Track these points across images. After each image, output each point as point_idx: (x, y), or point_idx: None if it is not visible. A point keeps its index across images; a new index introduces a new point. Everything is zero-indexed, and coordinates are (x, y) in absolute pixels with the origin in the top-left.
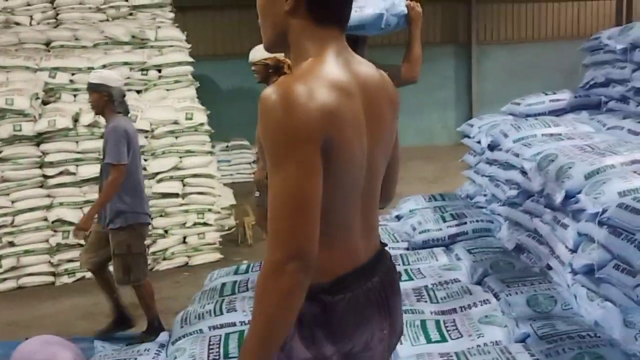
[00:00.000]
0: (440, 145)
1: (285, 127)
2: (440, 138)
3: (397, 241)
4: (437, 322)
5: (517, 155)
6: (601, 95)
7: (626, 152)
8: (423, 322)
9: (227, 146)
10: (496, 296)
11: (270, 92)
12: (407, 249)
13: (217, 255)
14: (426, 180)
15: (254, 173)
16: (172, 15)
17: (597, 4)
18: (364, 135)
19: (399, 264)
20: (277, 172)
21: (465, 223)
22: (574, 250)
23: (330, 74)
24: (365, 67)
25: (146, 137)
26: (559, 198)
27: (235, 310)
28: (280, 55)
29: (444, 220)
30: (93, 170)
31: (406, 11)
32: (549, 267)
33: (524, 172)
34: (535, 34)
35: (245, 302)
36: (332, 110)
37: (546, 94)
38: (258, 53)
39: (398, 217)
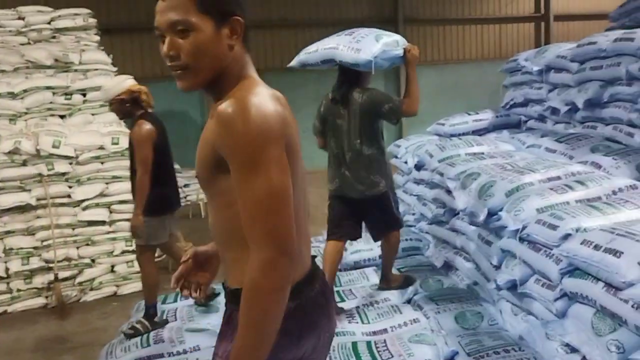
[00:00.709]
0: None
1: (254, 132)
2: None
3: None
4: (369, 343)
5: (442, 174)
6: (521, 115)
7: (543, 170)
8: (354, 344)
9: None
10: (425, 314)
11: (227, 106)
12: (340, 270)
13: None
14: None
15: (185, 197)
16: (97, 38)
17: (518, 26)
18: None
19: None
20: (256, 174)
21: None
22: (498, 267)
23: (266, 89)
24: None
25: (70, 164)
26: (482, 216)
27: (163, 342)
28: (134, 85)
29: (375, 240)
30: (13, 199)
31: (402, 54)
32: (476, 283)
33: (448, 191)
34: (460, 55)
35: (174, 333)
36: (283, 116)
37: (469, 114)
38: (111, 91)
39: None
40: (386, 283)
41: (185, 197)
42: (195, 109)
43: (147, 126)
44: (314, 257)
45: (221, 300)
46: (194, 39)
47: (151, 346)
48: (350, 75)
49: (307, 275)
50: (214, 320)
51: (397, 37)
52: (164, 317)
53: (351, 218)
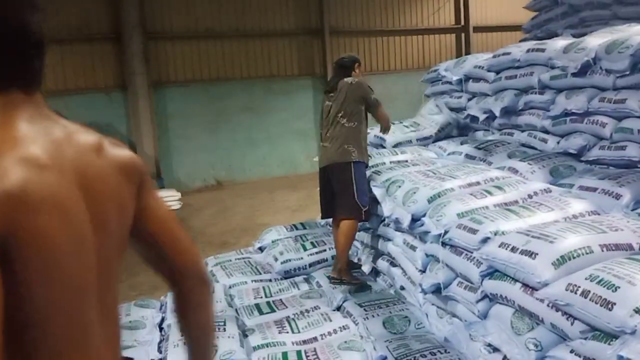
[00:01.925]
0: (304, 173)
1: None
2: (304, 167)
3: (260, 273)
4: (299, 352)
5: (369, 182)
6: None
7: (463, 176)
8: (284, 354)
9: None
10: (355, 321)
11: None
12: (270, 280)
13: None
14: (290, 209)
15: None
16: None
17: (440, 37)
18: (81, 220)
19: (262, 297)
20: None
21: (325, 250)
22: (423, 271)
23: (17, 145)
24: (78, 135)
25: None
26: (406, 222)
27: None
28: None
29: (305, 249)
30: None
31: None
32: (403, 288)
33: (375, 199)
34: (385, 66)
35: None
36: (15, 192)
37: (393, 124)
38: None
39: (261, 249)
40: (335, 273)
41: None
42: (120, 122)
43: None
44: None
45: (148, 314)
46: None
47: None
48: (342, 71)
49: None
50: (141, 336)
51: None
52: None
53: (327, 193)
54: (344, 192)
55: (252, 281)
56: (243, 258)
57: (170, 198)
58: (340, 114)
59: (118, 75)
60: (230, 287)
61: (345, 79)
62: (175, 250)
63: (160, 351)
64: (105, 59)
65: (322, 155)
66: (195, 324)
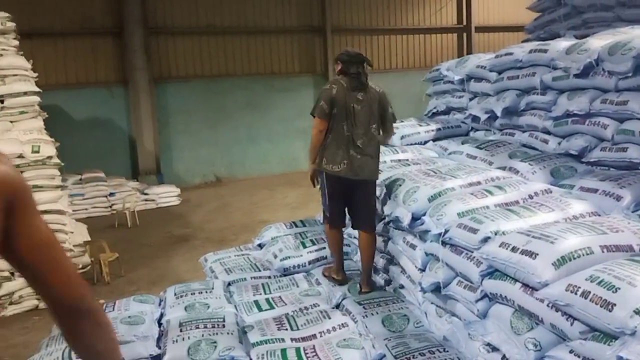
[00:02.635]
0: (304, 170)
1: None
2: (304, 164)
3: (260, 270)
4: (297, 349)
5: None
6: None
7: (464, 175)
8: (283, 351)
9: (80, 179)
10: (354, 319)
11: None
12: (270, 277)
13: None
14: (290, 206)
15: (110, 207)
16: (16, 42)
17: (442, 37)
18: None
19: (261, 294)
20: None
21: (324, 248)
22: (422, 270)
23: None
24: None
25: None
26: (406, 220)
27: None
28: None
29: (304, 246)
30: None
31: None
32: (402, 287)
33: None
34: (387, 64)
35: None
36: None
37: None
38: None
39: (260, 246)
40: (368, 286)
41: (110, 206)
42: (121, 117)
43: None
44: None
45: (147, 310)
46: None
47: None
48: (363, 68)
49: None
50: (140, 332)
51: None
52: None
53: (344, 203)
54: (370, 205)
55: (251, 278)
56: (242, 255)
57: (169, 194)
58: (374, 125)
59: (119, 70)
60: (229, 284)
61: (374, 87)
62: (51, 280)
63: (159, 346)
64: (106, 53)
65: (360, 167)
66: (83, 354)
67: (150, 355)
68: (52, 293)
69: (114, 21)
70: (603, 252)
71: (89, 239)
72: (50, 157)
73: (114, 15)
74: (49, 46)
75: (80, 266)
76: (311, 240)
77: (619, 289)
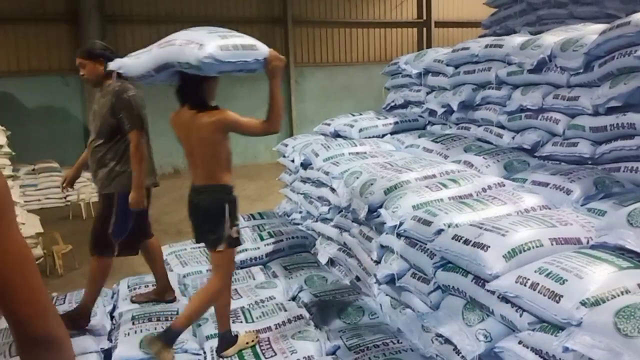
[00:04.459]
0: (263, 163)
1: None
2: (264, 157)
3: None
4: None
5: (326, 173)
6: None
7: (420, 168)
8: None
9: (33, 169)
10: (309, 311)
11: None
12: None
13: None
14: (249, 198)
15: (65, 198)
16: None
17: (402, 31)
18: None
19: None
20: None
21: (282, 240)
22: (378, 262)
23: None
24: None
25: None
26: (362, 213)
27: None
28: None
29: (262, 239)
30: None
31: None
32: (358, 279)
33: (333, 189)
34: (347, 57)
35: None
36: None
37: (353, 115)
38: None
39: None
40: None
41: (65, 197)
42: (76, 106)
43: None
44: None
45: (98, 302)
46: None
47: None
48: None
49: None
50: (91, 325)
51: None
52: None
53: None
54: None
55: (207, 270)
56: (198, 247)
57: None
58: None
59: (74, 58)
60: (184, 277)
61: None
62: (14, 300)
63: (110, 340)
64: (60, 40)
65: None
66: None
67: (102, 348)
68: (14, 319)
69: (68, 7)
70: (552, 244)
71: (42, 230)
72: (0, 147)
73: (69, 2)
74: (0, 32)
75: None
76: (269, 233)
77: (567, 280)
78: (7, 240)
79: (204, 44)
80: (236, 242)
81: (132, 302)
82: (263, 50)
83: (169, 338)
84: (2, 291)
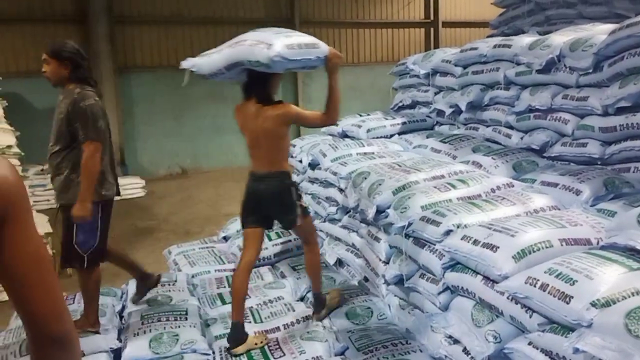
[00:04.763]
0: None
1: None
2: None
3: (224, 263)
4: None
5: (334, 173)
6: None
7: (428, 169)
8: None
9: (42, 169)
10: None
11: None
12: (234, 270)
13: None
14: None
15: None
16: None
17: (410, 31)
18: None
19: (225, 287)
20: None
21: (290, 241)
22: (386, 262)
23: None
24: None
25: None
26: (371, 213)
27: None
28: None
29: (270, 239)
30: None
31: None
32: (366, 279)
33: (341, 190)
34: (355, 58)
35: None
36: None
37: (360, 115)
38: None
39: (225, 238)
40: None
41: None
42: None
43: None
44: None
45: (108, 302)
46: None
47: (25, 356)
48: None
49: None
50: (101, 325)
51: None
52: None
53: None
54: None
55: (215, 270)
56: (207, 247)
57: (133, 185)
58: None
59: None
60: (193, 277)
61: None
62: (30, 299)
63: (120, 339)
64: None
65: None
66: None
67: (111, 348)
68: (30, 316)
69: (77, 8)
70: (562, 245)
71: (51, 230)
72: (9, 147)
73: (77, 3)
74: (9, 32)
75: None
76: (277, 233)
77: (577, 281)
78: (24, 240)
79: (272, 43)
80: (306, 209)
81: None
82: (324, 48)
83: (320, 304)
84: (18, 290)
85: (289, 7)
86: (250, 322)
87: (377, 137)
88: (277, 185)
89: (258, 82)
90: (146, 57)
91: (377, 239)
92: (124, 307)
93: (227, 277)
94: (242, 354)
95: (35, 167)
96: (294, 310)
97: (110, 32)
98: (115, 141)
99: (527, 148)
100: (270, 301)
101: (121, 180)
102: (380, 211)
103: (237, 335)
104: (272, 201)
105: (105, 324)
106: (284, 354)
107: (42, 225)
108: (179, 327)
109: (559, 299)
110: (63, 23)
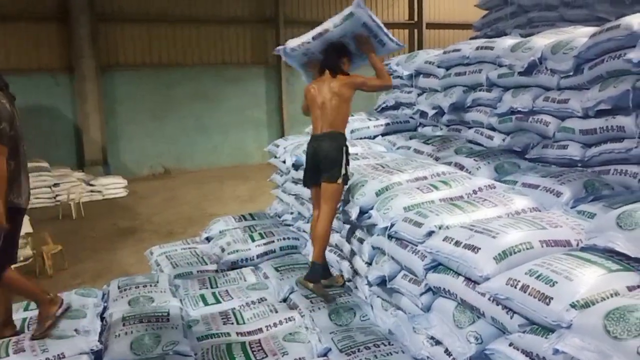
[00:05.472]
0: (255, 164)
1: None
2: (255, 157)
3: (206, 263)
4: (243, 344)
5: None
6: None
7: (411, 170)
8: (228, 346)
9: None
10: (301, 313)
11: None
12: (217, 271)
13: None
14: (240, 199)
15: (55, 197)
16: None
17: (393, 32)
18: None
19: (207, 288)
20: None
21: (273, 241)
22: (369, 263)
23: None
24: None
25: None
26: (354, 214)
27: (24, 351)
28: None
29: (253, 240)
30: None
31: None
32: (349, 280)
33: None
34: None
35: (36, 341)
36: None
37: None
38: None
39: (208, 239)
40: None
41: (55, 197)
42: (66, 105)
43: None
44: None
45: (89, 304)
46: None
47: (10, 356)
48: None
49: None
50: (81, 326)
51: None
52: (27, 325)
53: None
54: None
55: (197, 272)
56: (189, 248)
57: (116, 185)
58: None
59: (64, 57)
60: (175, 277)
61: None
62: None
63: (101, 341)
64: (51, 39)
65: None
66: None
67: (92, 349)
68: None
69: (59, 6)
70: (542, 246)
71: (31, 230)
72: None
73: (59, 0)
74: None
75: (22, 258)
76: (260, 234)
77: (557, 282)
78: None
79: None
80: (347, 180)
81: None
82: (390, 45)
83: (315, 274)
84: None
85: (273, 7)
86: (232, 323)
87: (361, 138)
88: (334, 141)
89: (334, 58)
90: (129, 56)
91: (360, 240)
92: (105, 309)
93: (209, 278)
94: (311, 289)
95: None
96: (276, 312)
97: (93, 30)
98: (97, 140)
99: (509, 150)
100: (253, 302)
101: (103, 180)
102: (363, 212)
103: (314, 273)
104: (326, 154)
105: (86, 325)
106: (267, 356)
107: (23, 225)
108: (161, 328)
109: (539, 300)
110: (45, 21)
